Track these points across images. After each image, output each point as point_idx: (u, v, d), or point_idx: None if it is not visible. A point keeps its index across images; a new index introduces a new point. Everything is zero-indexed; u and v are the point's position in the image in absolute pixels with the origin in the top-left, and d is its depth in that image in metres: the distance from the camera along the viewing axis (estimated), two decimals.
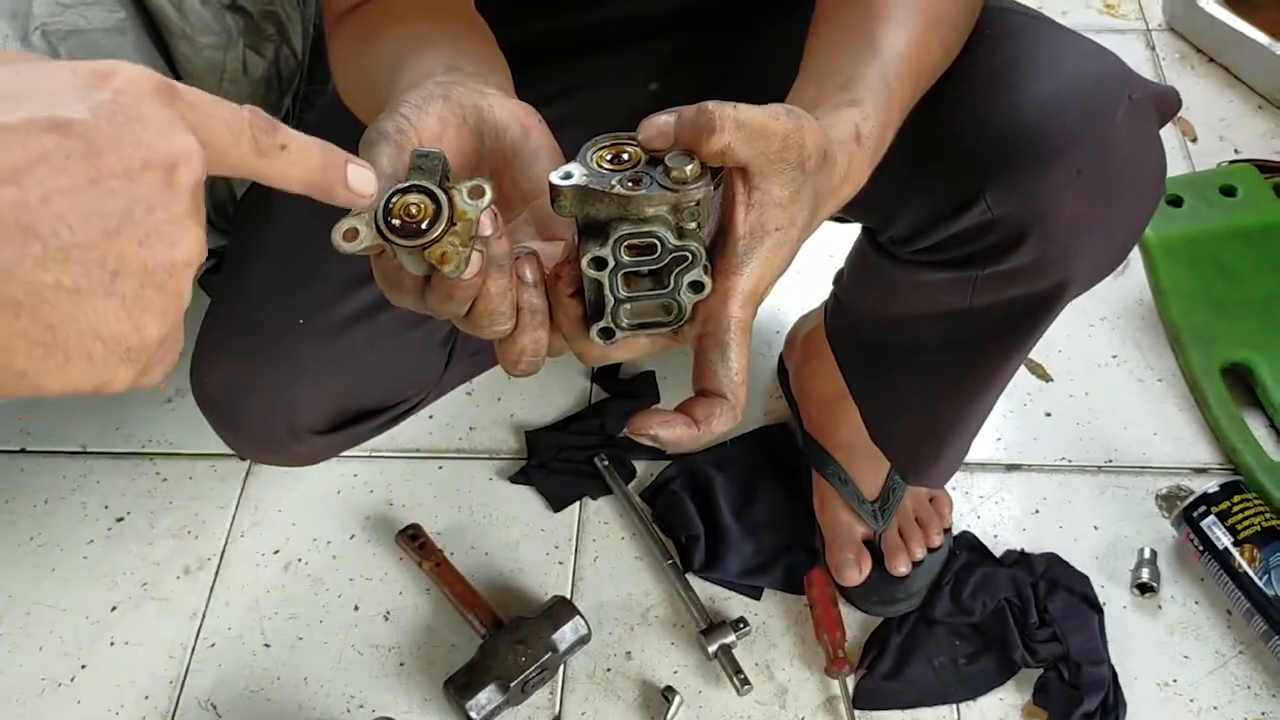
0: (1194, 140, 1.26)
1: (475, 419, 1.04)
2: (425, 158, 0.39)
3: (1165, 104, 0.59)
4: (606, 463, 0.98)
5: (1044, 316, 0.63)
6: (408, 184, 0.38)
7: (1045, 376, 1.05)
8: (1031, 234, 0.56)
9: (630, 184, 0.40)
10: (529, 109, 0.47)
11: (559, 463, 0.99)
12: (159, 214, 0.30)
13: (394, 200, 0.38)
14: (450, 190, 0.38)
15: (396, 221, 0.37)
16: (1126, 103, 0.56)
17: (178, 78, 0.78)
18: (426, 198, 0.37)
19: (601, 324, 0.42)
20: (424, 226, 0.37)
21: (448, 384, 0.84)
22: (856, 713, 0.83)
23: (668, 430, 0.41)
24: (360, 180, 0.37)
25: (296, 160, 0.35)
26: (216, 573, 0.95)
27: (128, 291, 0.30)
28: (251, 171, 0.34)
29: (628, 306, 0.42)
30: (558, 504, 0.97)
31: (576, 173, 0.41)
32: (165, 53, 0.77)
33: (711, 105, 0.39)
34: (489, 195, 0.38)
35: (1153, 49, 1.38)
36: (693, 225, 0.41)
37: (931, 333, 0.70)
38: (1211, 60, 1.34)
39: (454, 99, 0.45)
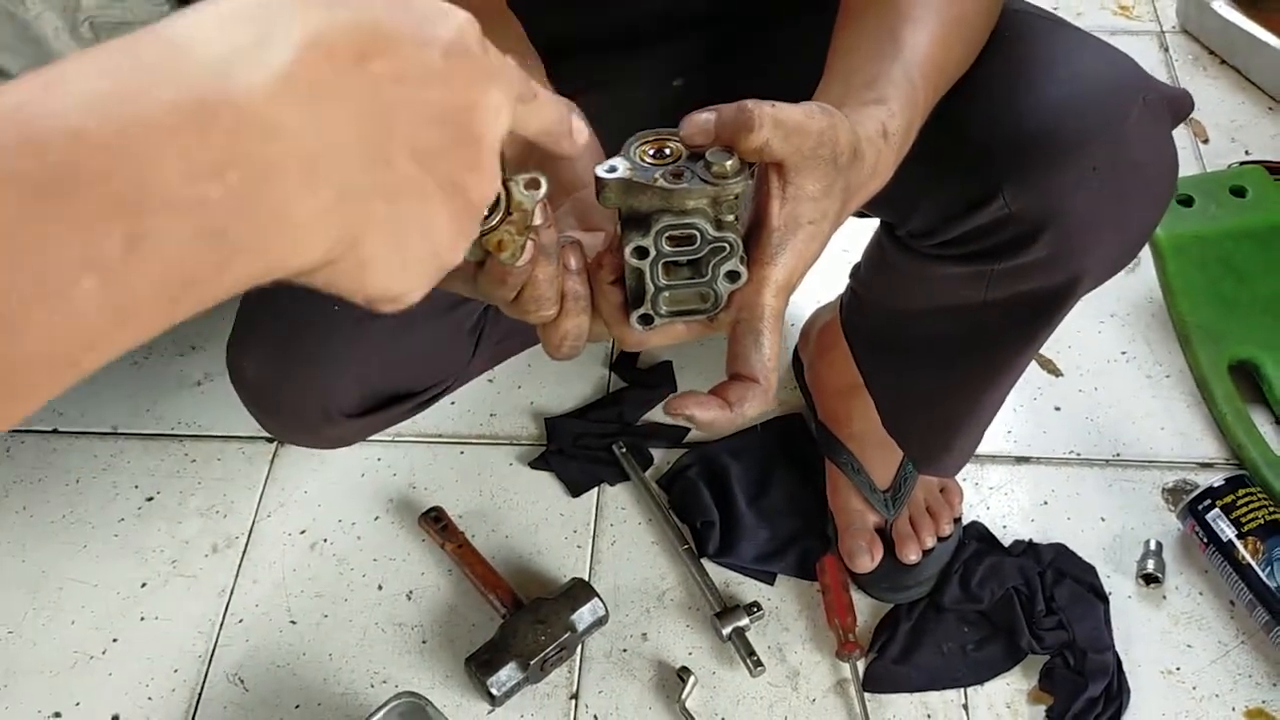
0: (1205, 141, 1.28)
1: (496, 406, 1.06)
2: None
3: (1178, 106, 0.61)
4: (624, 450, 1.00)
5: (1057, 311, 0.65)
6: None
7: (1055, 371, 1.07)
8: (1047, 229, 0.58)
9: (672, 178, 0.42)
10: (571, 104, 0.49)
11: (578, 449, 1.01)
12: (485, 150, 0.32)
13: None
14: (508, 182, 0.40)
15: None
16: (1140, 104, 0.58)
17: None
18: None
19: (641, 310, 0.45)
20: (483, 214, 0.39)
21: (474, 370, 0.86)
22: (866, 695, 0.86)
23: (703, 411, 0.44)
24: (581, 134, 0.39)
25: (543, 110, 0.37)
26: (244, 551, 0.98)
27: (457, 209, 0.32)
28: (516, 117, 0.35)
29: (666, 294, 0.44)
30: (576, 489, 0.99)
31: (621, 166, 0.43)
32: None
33: (750, 104, 0.41)
34: (544, 188, 0.40)
35: (1166, 50, 1.39)
36: (731, 218, 0.43)
37: (946, 326, 0.72)
38: (1224, 62, 1.36)
39: None
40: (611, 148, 0.46)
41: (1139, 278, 1.13)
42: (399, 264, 0.31)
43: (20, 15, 0.69)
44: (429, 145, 0.30)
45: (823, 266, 1.01)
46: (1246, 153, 1.25)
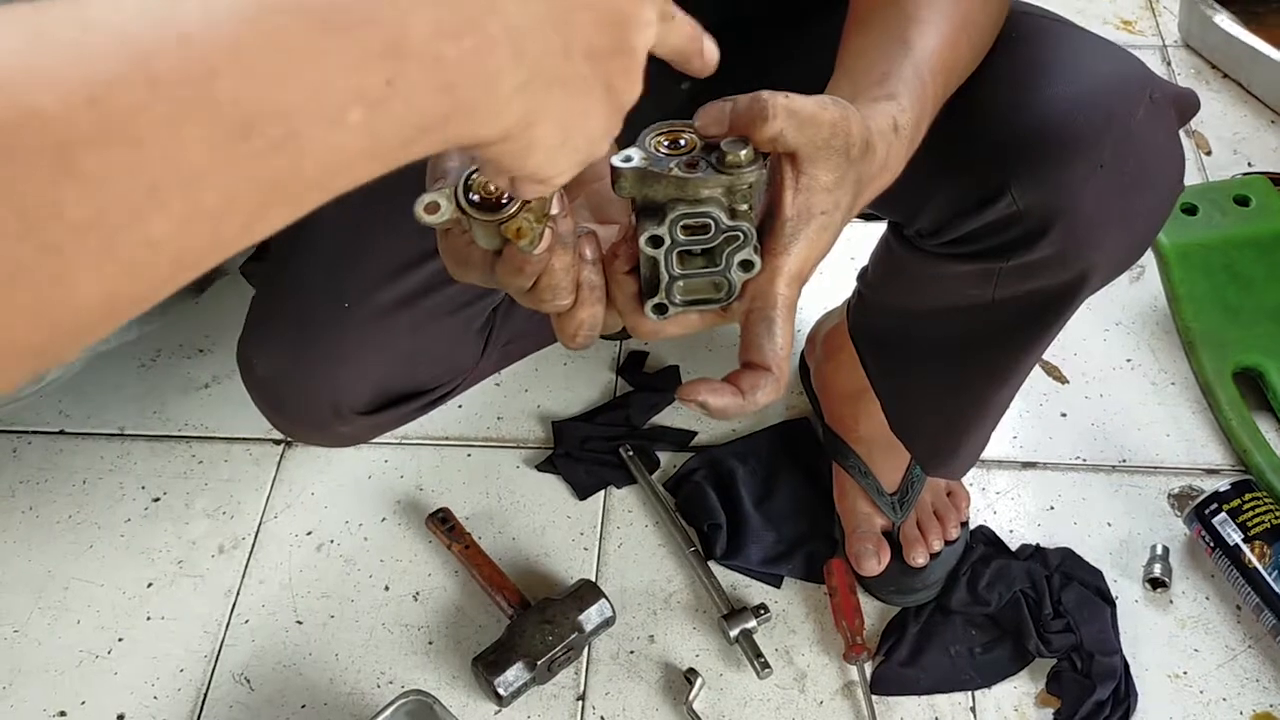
0: (1208, 153, 1.28)
1: (504, 409, 1.07)
2: None
3: (1184, 104, 0.62)
4: (631, 453, 1.01)
5: (1063, 310, 0.66)
6: None
7: (1061, 378, 1.08)
8: (1054, 226, 0.59)
9: (687, 167, 0.43)
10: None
11: (584, 452, 1.02)
12: (637, 59, 0.35)
13: (473, 178, 0.40)
14: None
15: (475, 197, 0.40)
16: (1147, 102, 0.58)
17: None
18: None
19: (656, 300, 0.45)
20: (502, 202, 0.40)
21: (482, 371, 0.86)
22: (874, 698, 0.86)
23: (716, 398, 0.44)
24: (712, 54, 0.41)
25: (680, 29, 0.39)
26: (251, 552, 0.98)
27: (612, 109, 0.35)
28: (656, 32, 0.38)
29: (681, 284, 0.45)
30: (583, 492, 1.00)
31: (636, 156, 0.44)
32: None
33: (765, 94, 0.42)
34: None
35: (1169, 64, 1.40)
36: (745, 207, 0.44)
37: (954, 326, 0.72)
38: (1226, 76, 1.37)
39: None
40: (625, 141, 0.46)
41: (1144, 286, 1.13)
42: (559, 149, 0.34)
43: None
44: (598, 46, 0.34)
45: (829, 272, 1.02)
46: (1249, 164, 1.26)
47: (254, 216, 0.25)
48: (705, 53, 0.40)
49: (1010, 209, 0.59)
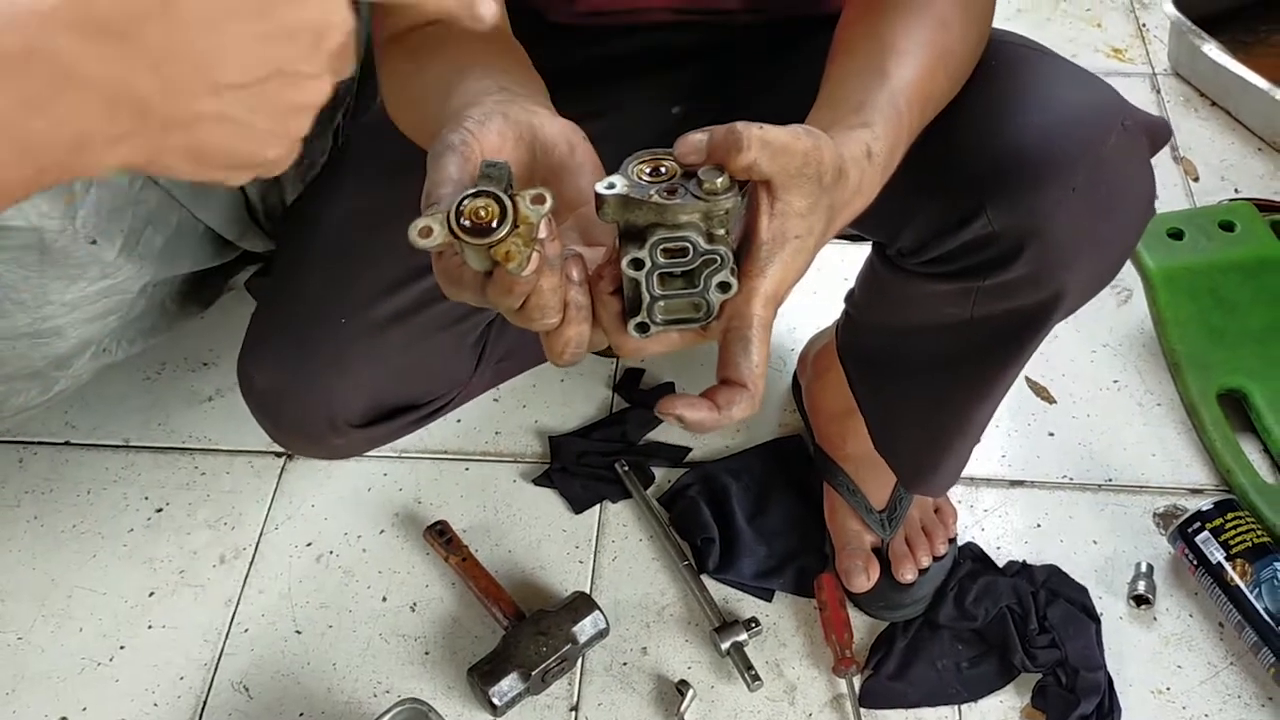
0: (1196, 179, 1.30)
1: (501, 424, 1.09)
2: (493, 167, 0.44)
3: (1156, 132, 0.64)
4: (626, 468, 1.02)
5: (1039, 329, 0.68)
6: (477, 189, 0.43)
7: (1049, 398, 1.09)
8: (1029, 247, 0.61)
9: (666, 194, 0.45)
10: (574, 126, 0.52)
11: (581, 467, 1.04)
12: (301, 67, 0.37)
13: (465, 204, 0.43)
14: (515, 197, 0.43)
15: (467, 222, 0.42)
16: (1119, 129, 0.61)
17: None
18: (494, 202, 0.42)
19: (638, 319, 0.47)
20: (492, 226, 0.42)
21: (476, 387, 0.88)
22: (862, 711, 0.87)
23: (692, 412, 0.46)
24: (488, 7, 0.42)
25: None
26: (251, 562, 1.00)
27: (261, 126, 0.37)
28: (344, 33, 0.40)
29: (662, 304, 0.47)
30: (579, 506, 1.02)
31: (619, 183, 0.46)
32: None
33: (740, 126, 0.44)
34: (549, 202, 0.43)
35: (1158, 92, 1.43)
36: (722, 232, 0.46)
37: (935, 345, 0.74)
38: (1214, 104, 1.40)
39: (511, 116, 0.50)
40: (611, 167, 0.49)
41: (1130, 308, 1.15)
42: (208, 170, 0.38)
43: None
44: (225, 82, 0.35)
45: (823, 292, 1.04)
46: (1236, 191, 1.28)
47: None
48: (478, 3, 0.42)
49: (986, 229, 0.61)
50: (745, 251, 0.47)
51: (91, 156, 0.34)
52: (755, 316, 0.46)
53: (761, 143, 0.44)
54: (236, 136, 0.37)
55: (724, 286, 0.46)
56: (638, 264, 0.46)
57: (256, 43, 0.35)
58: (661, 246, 0.46)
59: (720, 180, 0.45)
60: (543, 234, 0.44)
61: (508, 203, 0.42)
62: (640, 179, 0.46)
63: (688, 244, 0.45)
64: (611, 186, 0.46)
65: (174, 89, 0.34)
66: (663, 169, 0.46)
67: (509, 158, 0.49)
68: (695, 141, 0.45)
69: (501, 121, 0.49)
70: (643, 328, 0.47)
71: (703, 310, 0.47)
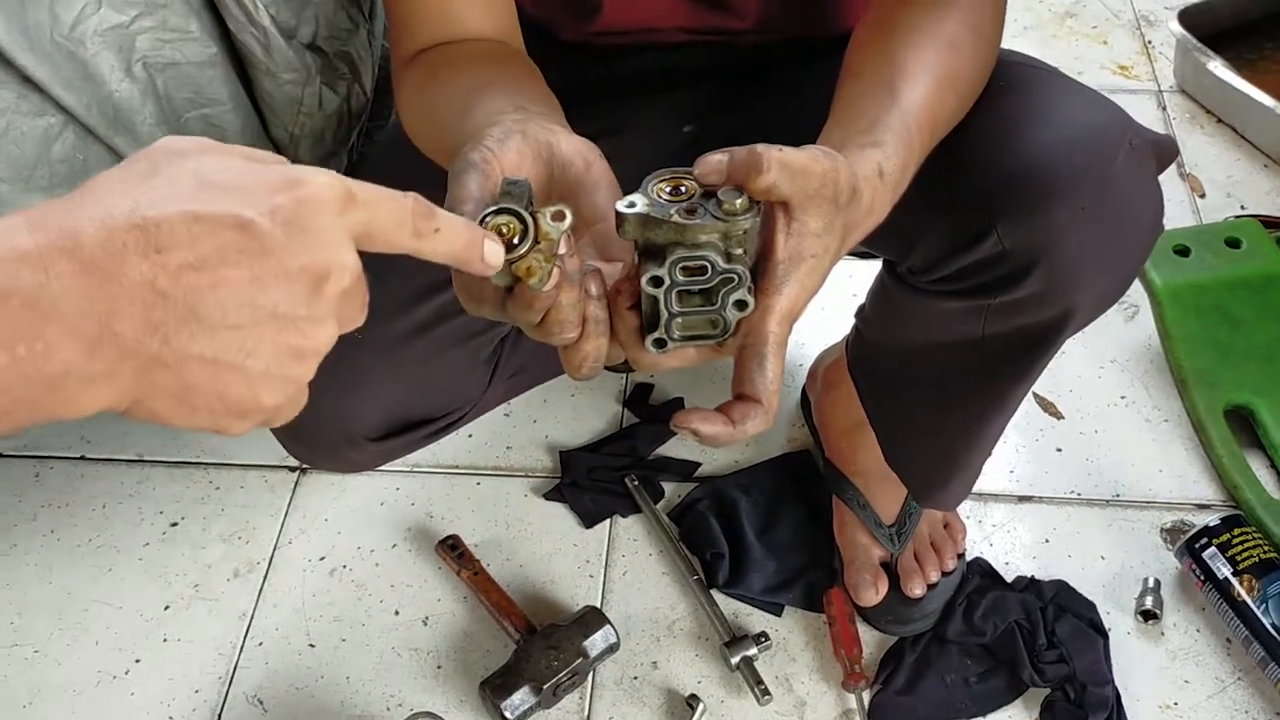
0: (1202, 196, 1.31)
1: (512, 439, 1.10)
2: (514, 184, 0.45)
3: (1163, 151, 0.65)
4: (637, 483, 1.03)
5: (1049, 346, 0.68)
6: (499, 207, 0.44)
7: (1057, 414, 1.10)
8: (1039, 265, 0.62)
9: (686, 214, 0.46)
10: (591, 144, 0.53)
11: (591, 482, 1.04)
12: (301, 311, 0.36)
13: (487, 220, 0.44)
14: (535, 214, 0.44)
15: None
16: (1126, 148, 0.62)
17: (259, 110, 0.86)
18: (515, 219, 0.44)
19: (656, 335, 0.48)
20: (514, 243, 0.43)
21: (490, 401, 0.89)
22: None
23: (707, 426, 0.47)
24: (492, 255, 0.42)
25: (447, 239, 0.40)
26: (265, 576, 1.00)
27: (255, 368, 0.36)
28: (409, 250, 0.40)
29: (679, 320, 0.48)
30: (589, 521, 1.02)
31: (639, 202, 0.47)
32: (249, 86, 0.84)
33: (760, 148, 0.45)
34: (569, 219, 0.44)
35: (1164, 109, 1.44)
36: (740, 251, 0.47)
37: (945, 361, 0.75)
38: (1220, 121, 1.41)
39: (530, 135, 0.51)
40: (626, 186, 0.50)
41: (1138, 325, 1.16)
42: (197, 416, 0.36)
43: (79, 54, 0.74)
44: (215, 324, 0.34)
45: (832, 308, 1.05)
46: (1242, 207, 1.29)
47: None
48: (486, 254, 0.42)
49: (996, 248, 0.62)
50: (761, 270, 0.48)
51: (69, 394, 0.33)
52: (771, 334, 0.47)
53: (781, 164, 0.45)
54: (229, 380, 0.35)
55: (741, 305, 0.47)
56: (657, 281, 0.47)
57: (250, 285, 0.34)
58: (681, 265, 0.47)
59: (740, 201, 0.46)
60: (562, 250, 0.45)
61: (529, 219, 0.44)
62: (660, 198, 0.47)
63: (706, 263, 0.46)
64: (632, 205, 0.47)
65: (159, 329, 0.33)
66: (682, 188, 0.47)
67: (528, 175, 0.50)
68: (715, 162, 0.46)
69: (520, 140, 0.50)
70: (660, 343, 0.48)
71: (719, 327, 0.48)
